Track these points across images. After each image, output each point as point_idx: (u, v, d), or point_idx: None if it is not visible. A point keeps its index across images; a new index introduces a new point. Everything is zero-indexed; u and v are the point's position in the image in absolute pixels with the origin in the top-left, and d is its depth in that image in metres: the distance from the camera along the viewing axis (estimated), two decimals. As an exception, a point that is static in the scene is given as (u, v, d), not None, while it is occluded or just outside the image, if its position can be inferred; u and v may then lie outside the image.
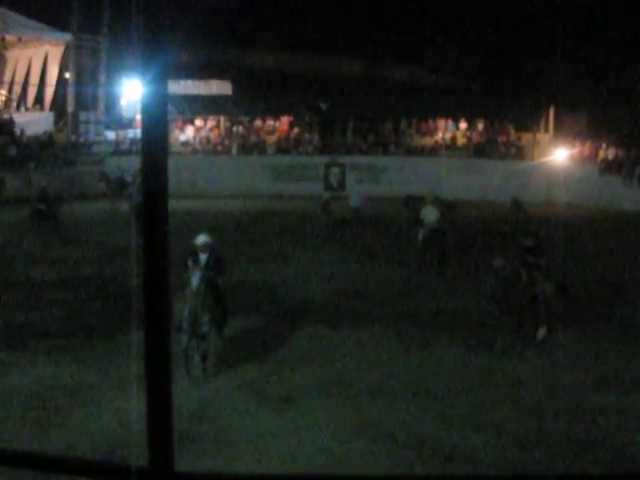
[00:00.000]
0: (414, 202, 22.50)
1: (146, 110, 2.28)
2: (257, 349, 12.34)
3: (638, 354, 12.57)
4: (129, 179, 27.96)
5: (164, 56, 2.28)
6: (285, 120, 40.19)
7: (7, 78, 41.78)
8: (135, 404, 8.83)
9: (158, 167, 2.27)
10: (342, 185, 35.11)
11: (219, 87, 39.48)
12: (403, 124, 39.62)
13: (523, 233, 15.19)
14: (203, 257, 11.70)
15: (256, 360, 11.88)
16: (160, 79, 2.27)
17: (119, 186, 28.59)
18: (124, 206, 24.98)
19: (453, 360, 12.24)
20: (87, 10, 38.94)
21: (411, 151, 37.73)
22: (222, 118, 39.59)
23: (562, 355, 12.26)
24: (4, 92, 41.03)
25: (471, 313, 14.85)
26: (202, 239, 11.95)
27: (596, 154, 34.33)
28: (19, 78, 41.40)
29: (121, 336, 12.32)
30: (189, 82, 37.90)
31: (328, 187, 34.95)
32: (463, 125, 39.45)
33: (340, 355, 12.33)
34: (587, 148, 35.19)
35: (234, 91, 39.48)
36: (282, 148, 38.09)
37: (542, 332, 13.18)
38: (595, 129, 34.99)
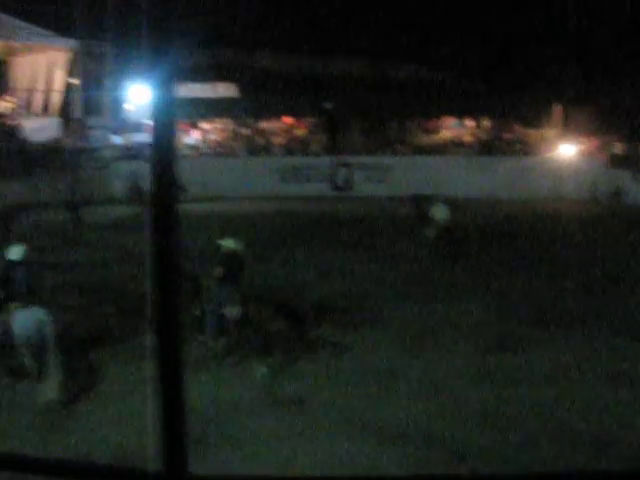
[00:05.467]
0: (423, 201, 22.45)
1: (155, 114, 2.29)
2: (269, 350, 12.32)
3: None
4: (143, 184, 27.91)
5: (172, 60, 2.29)
6: (290, 121, 40.23)
7: (14, 85, 41.90)
8: (149, 408, 8.85)
9: (168, 171, 2.28)
10: (350, 185, 35.09)
11: (225, 89, 39.56)
12: (409, 123, 39.61)
13: None
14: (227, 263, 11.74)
15: (268, 361, 11.86)
16: (169, 83, 2.28)
17: (134, 191, 28.53)
18: (139, 210, 24.98)
19: (463, 358, 12.22)
20: (93, 16, 39.11)
21: (417, 150, 37.70)
22: (228, 120, 39.64)
23: (573, 351, 12.24)
24: (11, 99, 41.17)
25: (481, 312, 14.82)
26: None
27: (604, 149, 34.27)
28: (26, 85, 41.53)
29: (134, 339, 12.34)
30: (195, 85, 37.95)
31: (335, 187, 34.98)
32: (469, 123, 39.41)
33: (352, 356, 12.32)
34: (595, 143, 35.12)
35: (240, 93, 39.55)
36: (289, 149, 38.12)
37: None
38: (603, 124, 34.88)
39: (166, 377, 2.28)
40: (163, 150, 2.27)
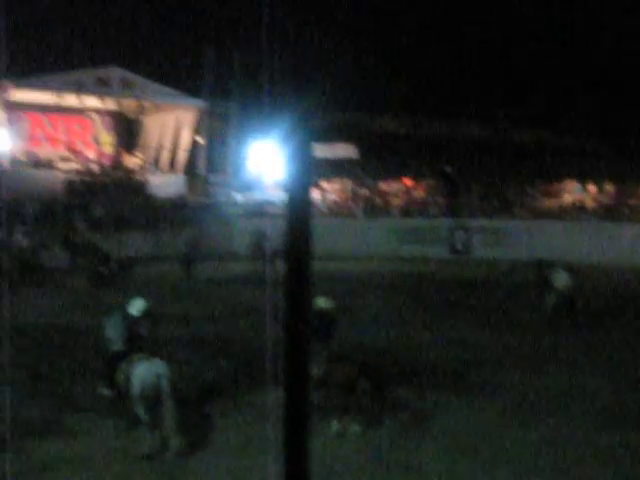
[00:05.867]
0: (544, 267, 21.94)
1: (291, 173, 2.34)
2: (380, 413, 12.15)
3: None
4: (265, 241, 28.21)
5: (308, 122, 2.35)
6: (410, 182, 40.32)
7: (143, 142, 43.67)
8: (263, 463, 8.88)
9: (302, 230, 2.33)
10: (468, 248, 34.76)
11: (344, 150, 40.06)
12: (529, 186, 39.07)
13: None
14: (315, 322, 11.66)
15: (379, 425, 11.70)
16: (305, 144, 2.34)
17: (255, 247, 28.83)
18: (259, 267, 25.30)
19: (582, 433, 11.69)
20: (219, 77, 40.58)
21: (537, 214, 37.08)
22: (347, 181, 40.03)
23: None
24: (140, 155, 42.90)
25: (599, 385, 14.19)
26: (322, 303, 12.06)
27: None
28: (154, 142, 43.22)
29: (248, 394, 12.42)
30: (315, 146, 38.56)
31: (453, 250, 34.73)
32: (591, 187, 38.56)
33: (463, 424, 12.01)
34: None
35: (359, 154, 39.95)
36: (407, 211, 38.12)
37: None
38: None
39: (292, 432, 2.29)
40: (298, 208, 2.32)
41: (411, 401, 12.76)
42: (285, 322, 2.34)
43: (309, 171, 2.39)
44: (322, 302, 12.45)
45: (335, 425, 11.04)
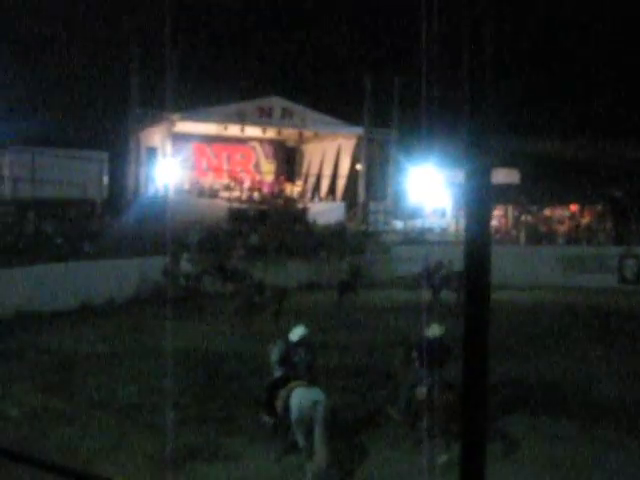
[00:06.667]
0: None
1: (469, 202, 2.29)
2: (540, 450, 11.62)
3: None
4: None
5: (488, 147, 2.30)
6: (575, 208, 39.14)
7: (304, 170, 44.57)
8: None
9: (481, 258, 2.25)
10: (639, 277, 33.26)
11: (506, 176, 39.33)
12: None
13: None
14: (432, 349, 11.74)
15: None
16: (483, 170, 2.27)
17: (419, 275, 28.48)
18: (421, 295, 25.10)
19: None
20: (377, 105, 40.91)
21: None
22: (509, 207, 39.30)
23: None
24: (301, 183, 43.78)
25: None
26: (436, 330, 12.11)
27: None
28: (314, 170, 44.04)
29: (401, 429, 12.21)
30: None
31: (623, 279, 33.31)
32: None
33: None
34: None
35: (521, 179, 39.17)
36: (573, 238, 36.96)
37: None
38: None
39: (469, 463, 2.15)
40: (478, 236, 2.25)
41: (574, 437, 12.13)
42: (464, 353, 2.23)
43: (489, 197, 2.32)
44: (435, 330, 12.34)
45: (442, 457, 10.73)
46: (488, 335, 2.27)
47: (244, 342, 19.38)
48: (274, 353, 11.85)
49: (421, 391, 11.75)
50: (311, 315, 22.59)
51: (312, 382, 11.13)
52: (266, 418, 11.49)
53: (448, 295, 24.97)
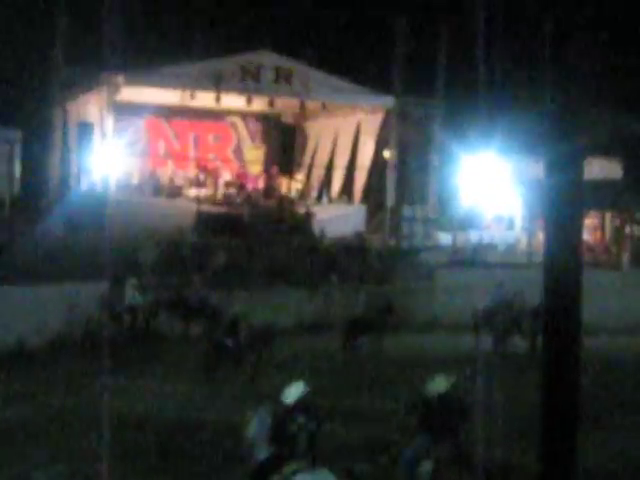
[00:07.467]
0: None
1: (551, 207, 2.12)
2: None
3: None
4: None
5: (579, 127, 2.14)
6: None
7: (306, 158, 44.21)
8: None
9: (568, 289, 2.05)
10: None
11: (603, 168, 39.27)
12: None
13: None
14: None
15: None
16: (572, 160, 2.10)
17: (477, 314, 28.21)
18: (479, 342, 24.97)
19: None
20: (415, 65, 40.38)
21: None
22: (608, 214, 39.24)
23: None
24: (302, 177, 43.42)
25: None
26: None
27: None
28: (321, 159, 43.74)
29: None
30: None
31: None
32: None
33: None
34: None
35: (625, 174, 39.18)
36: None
37: None
38: None
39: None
40: (562, 257, 2.08)
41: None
42: (544, 424, 2.08)
43: (580, 199, 2.15)
44: (440, 384, 12.83)
45: None
46: (579, 401, 2.08)
47: (210, 407, 19.50)
48: (253, 425, 11.78)
49: (426, 469, 12.27)
50: (311, 369, 22.51)
51: (315, 462, 11.12)
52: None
53: (516, 342, 24.85)
